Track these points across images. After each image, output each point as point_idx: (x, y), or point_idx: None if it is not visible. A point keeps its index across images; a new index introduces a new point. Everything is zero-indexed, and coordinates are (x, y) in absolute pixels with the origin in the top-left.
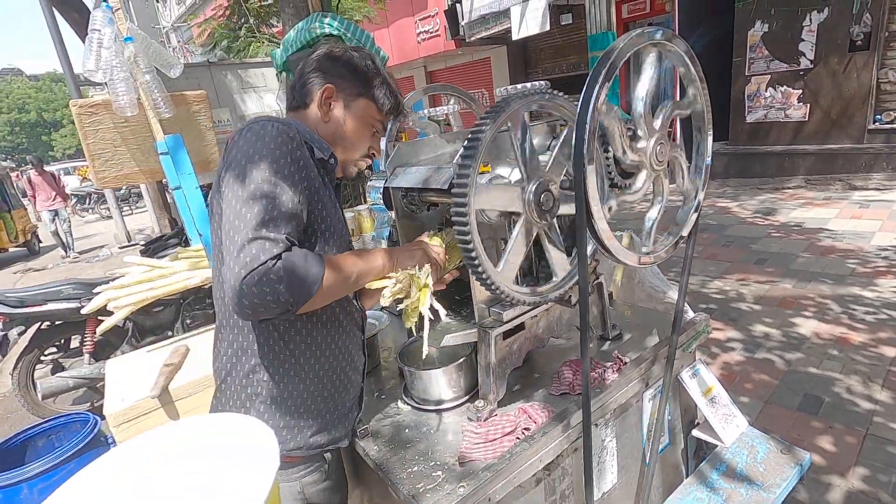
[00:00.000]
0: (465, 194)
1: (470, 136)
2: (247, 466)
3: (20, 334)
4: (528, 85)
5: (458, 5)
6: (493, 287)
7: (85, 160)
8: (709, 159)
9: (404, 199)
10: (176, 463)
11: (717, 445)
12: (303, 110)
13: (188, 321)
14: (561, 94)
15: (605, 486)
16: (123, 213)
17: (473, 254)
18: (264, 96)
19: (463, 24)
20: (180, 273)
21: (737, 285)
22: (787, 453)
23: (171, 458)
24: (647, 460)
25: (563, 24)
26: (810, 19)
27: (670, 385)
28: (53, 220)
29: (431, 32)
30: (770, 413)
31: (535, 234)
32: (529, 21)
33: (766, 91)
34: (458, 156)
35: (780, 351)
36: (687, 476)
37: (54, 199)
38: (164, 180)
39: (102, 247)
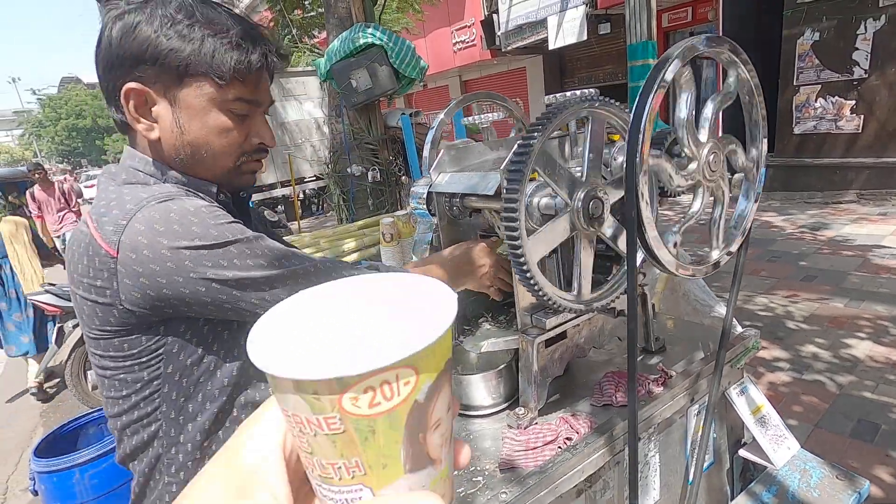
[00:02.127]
0: (515, 212)
1: (520, 143)
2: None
3: (74, 326)
4: (578, 92)
5: (494, 15)
6: (541, 294)
7: None
8: (758, 155)
9: (448, 205)
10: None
11: (765, 467)
12: (132, 135)
13: None
14: (614, 101)
15: (647, 502)
16: None
17: (523, 260)
18: (304, 104)
19: (499, 34)
20: None
21: (784, 302)
22: (844, 479)
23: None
24: (691, 479)
25: (601, 33)
26: (865, 27)
27: (716, 401)
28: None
29: (467, 42)
30: (820, 438)
31: (594, 243)
32: (566, 31)
33: (815, 102)
34: (504, 163)
35: (830, 373)
36: (732, 498)
37: (63, 220)
38: None
39: None
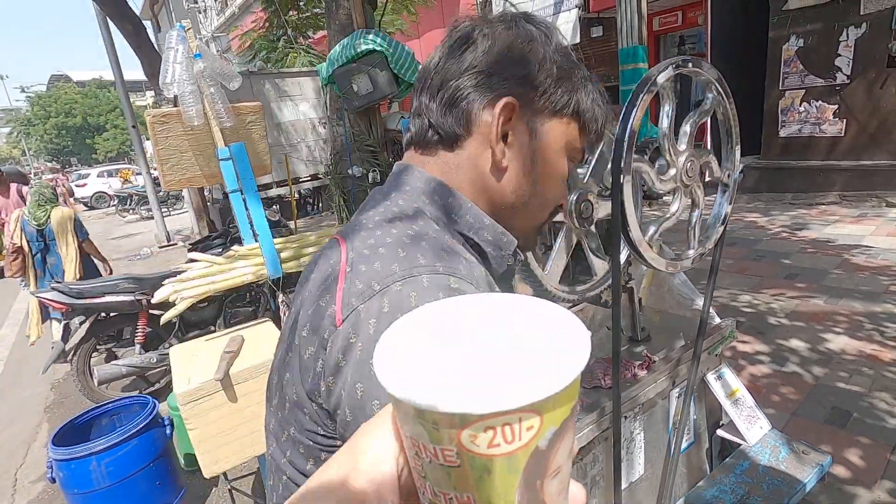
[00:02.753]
0: None
1: None
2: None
3: (81, 323)
4: None
5: None
6: (541, 287)
7: (125, 164)
8: (733, 169)
9: None
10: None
11: (740, 445)
12: (444, 151)
13: (230, 318)
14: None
15: (632, 476)
16: (163, 215)
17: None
18: (300, 105)
19: None
20: (237, 269)
21: (767, 299)
22: (809, 454)
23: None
24: (672, 453)
25: (593, 36)
26: (847, 34)
27: (694, 384)
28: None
29: None
30: (797, 424)
31: (575, 240)
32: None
33: (800, 106)
34: None
35: (808, 365)
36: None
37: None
38: (205, 186)
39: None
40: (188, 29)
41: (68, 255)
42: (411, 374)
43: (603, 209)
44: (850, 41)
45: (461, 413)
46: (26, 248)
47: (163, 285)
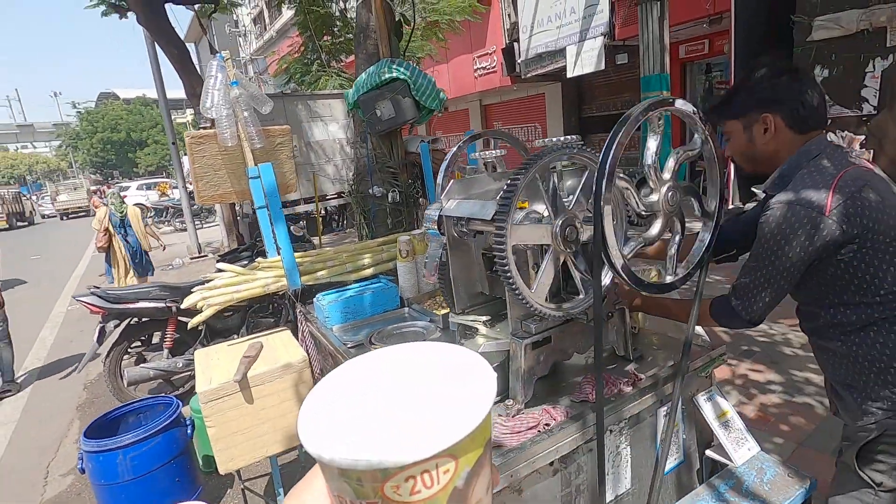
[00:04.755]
0: (503, 232)
1: (509, 181)
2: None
3: (115, 326)
4: (563, 139)
5: (515, 44)
6: (526, 304)
7: (164, 178)
8: (715, 203)
9: (455, 227)
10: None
11: (727, 465)
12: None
13: (252, 327)
14: (588, 148)
15: (619, 489)
16: (196, 227)
17: (510, 276)
18: (329, 125)
19: (519, 61)
20: (260, 279)
21: (783, 330)
22: (794, 477)
23: (400, 368)
24: (657, 469)
25: (618, 63)
26: (873, 66)
27: (678, 401)
28: None
29: (488, 68)
30: (802, 455)
31: (562, 260)
32: (585, 60)
33: (825, 135)
34: (498, 196)
35: (821, 397)
36: None
37: None
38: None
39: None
40: (227, 59)
41: (139, 233)
42: (333, 434)
43: (587, 233)
44: (876, 72)
45: (382, 468)
46: (112, 231)
47: (192, 292)
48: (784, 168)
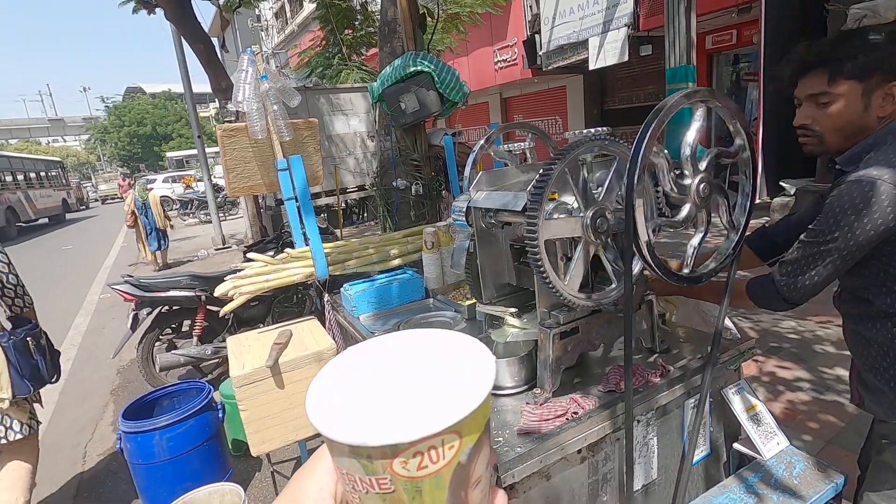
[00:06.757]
0: (535, 224)
1: (541, 172)
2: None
3: (147, 314)
4: (593, 130)
5: (536, 36)
6: (558, 294)
7: (189, 170)
8: (749, 203)
9: (483, 218)
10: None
11: (755, 458)
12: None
13: (277, 316)
14: (620, 140)
15: (647, 479)
16: (220, 220)
17: (542, 268)
18: (350, 119)
19: (541, 53)
20: (289, 269)
21: (813, 327)
22: (824, 472)
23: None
24: (684, 460)
25: (642, 54)
26: None
27: (707, 393)
28: None
29: (509, 61)
30: (830, 453)
31: (592, 252)
32: (607, 52)
33: None
34: (530, 186)
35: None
36: None
37: None
38: (262, 194)
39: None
40: (257, 53)
41: (156, 214)
42: (342, 414)
43: (618, 224)
44: None
45: (392, 444)
46: (136, 212)
47: (224, 281)
48: (869, 141)
